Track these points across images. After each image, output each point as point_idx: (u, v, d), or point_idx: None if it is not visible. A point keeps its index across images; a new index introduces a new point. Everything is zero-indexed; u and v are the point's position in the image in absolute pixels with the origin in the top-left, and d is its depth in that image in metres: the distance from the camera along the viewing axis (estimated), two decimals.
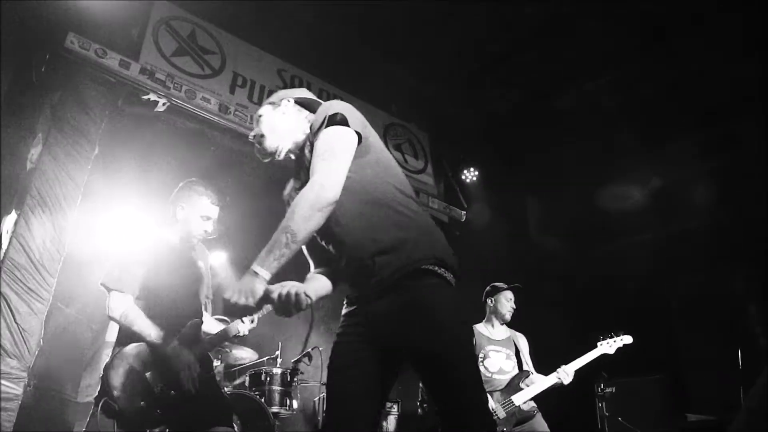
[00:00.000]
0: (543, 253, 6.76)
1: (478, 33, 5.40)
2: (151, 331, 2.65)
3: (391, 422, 5.47)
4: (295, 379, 5.47)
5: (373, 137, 2.10)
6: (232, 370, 5.83)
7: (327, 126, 1.96)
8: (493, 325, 4.43)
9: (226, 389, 5.02)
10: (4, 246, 3.50)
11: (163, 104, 4.38)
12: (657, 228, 6.16)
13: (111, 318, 2.69)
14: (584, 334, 4.36)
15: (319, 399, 5.80)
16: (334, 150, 1.91)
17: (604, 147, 6.19)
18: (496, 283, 4.50)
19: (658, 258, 5.98)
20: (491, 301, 4.46)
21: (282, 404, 5.24)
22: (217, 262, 7.87)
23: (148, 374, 2.62)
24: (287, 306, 1.86)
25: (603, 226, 6.56)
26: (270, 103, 2.24)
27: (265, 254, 1.88)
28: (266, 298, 1.83)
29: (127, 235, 2.89)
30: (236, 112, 4.82)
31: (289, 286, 1.86)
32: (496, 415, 3.95)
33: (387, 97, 6.25)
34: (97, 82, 4.09)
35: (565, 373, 3.99)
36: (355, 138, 1.99)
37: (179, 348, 2.67)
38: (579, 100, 6.16)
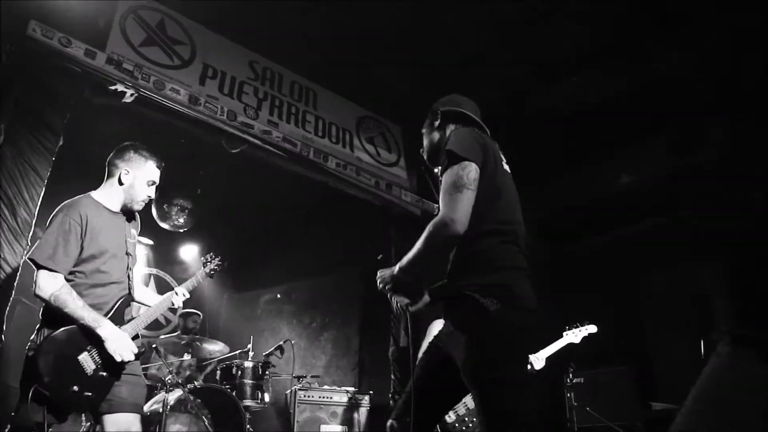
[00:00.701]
0: None
1: (452, 29, 5.41)
2: (85, 314, 2.58)
3: (362, 414, 5.49)
4: (267, 373, 5.46)
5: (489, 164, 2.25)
6: (203, 364, 5.79)
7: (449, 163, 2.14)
8: None
9: (196, 383, 4.98)
10: None
11: (131, 95, 4.30)
12: (627, 224, 6.27)
13: (38, 297, 2.58)
14: (553, 326, 4.45)
15: (291, 392, 5.79)
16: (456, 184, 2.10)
17: (575, 144, 6.26)
18: None
19: (627, 253, 6.09)
20: None
21: (253, 397, 5.23)
22: (189, 255, 7.82)
23: (80, 357, 2.58)
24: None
25: (574, 221, 6.66)
26: (430, 113, 2.54)
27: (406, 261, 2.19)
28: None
29: (65, 207, 2.75)
30: (206, 104, 4.76)
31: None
32: (466, 405, 4.01)
33: (360, 90, 6.23)
34: (61, 72, 3.98)
35: (536, 359, 4.12)
36: (478, 171, 2.14)
37: (116, 330, 2.65)
38: (552, 97, 6.21)
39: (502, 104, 6.37)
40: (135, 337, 2.79)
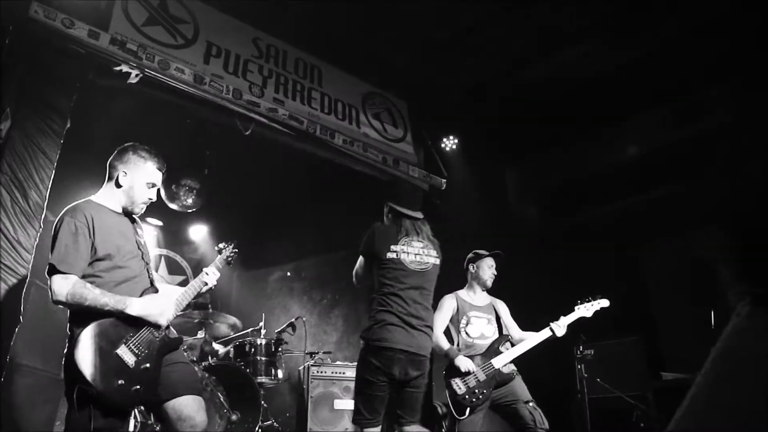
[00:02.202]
0: (522, 220, 6.83)
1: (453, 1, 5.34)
2: (107, 299, 2.51)
3: None
4: (280, 349, 5.53)
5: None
6: (217, 342, 5.86)
7: None
8: (474, 292, 4.50)
9: (211, 361, 5.05)
10: None
11: (136, 75, 4.28)
12: (633, 195, 6.24)
13: (57, 302, 2.50)
14: (562, 298, 4.44)
15: (304, 368, 5.86)
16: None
17: (580, 116, 6.21)
18: (478, 251, 4.56)
19: (635, 224, 6.06)
20: (473, 268, 4.53)
21: (267, 374, 5.30)
22: (199, 235, 7.86)
23: (118, 350, 2.50)
24: None
25: (580, 193, 6.63)
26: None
27: None
28: None
29: (69, 211, 2.68)
30: (212, 83, 4.74)
31: None
32: (477, 377, 4.04)
33: (365, 66, 6.18)
34: (65, 53, 3.97)
35: (558, 327, 4.14)
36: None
37: (144, 300, 2.60)
38: (553, 69, 6.15)
39: (502, 76, 6.32)
40: (168, 328, 2.74)
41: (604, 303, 4.33)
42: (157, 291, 2.79)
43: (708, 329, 4.52)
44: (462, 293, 4.52)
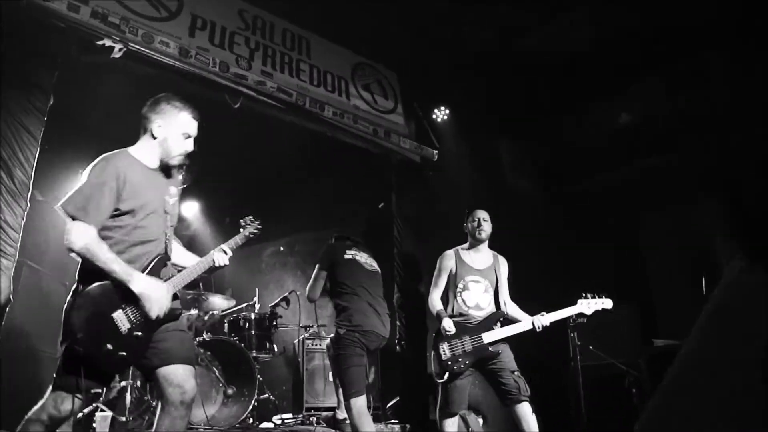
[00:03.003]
0: (516, 192, 6.81)
1: None
2: (116, 267, 2.48)
3: (370, 359, 5.60)
4: (274, 323, 5.55)
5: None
6: (211, 318, 5.86)
7: None
8: (475, 250, 4.45)
9: (206, 336, 5.06)
10: None
11: (120, 50, 4.19)
12: (628, 163, 6.22)
13: (70, 249, 2.47)
14: (556, 272, 4.45)
15: (299, 341, 5.89)
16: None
17: (573, 85, 6.15)
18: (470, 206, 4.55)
19: (627, 193, 6.06)
20: (466, 224, 4.50)
21: (262, 348, 5.33)
22: (190, 212, 7.82)
23: (115, 314, 2.49)
24: None
25: (575, 162, 6.61)
26: None
27: None
28: None
29: (102, 160, 2.64)
30: (197, 56, 4.65)
31: None
32: (464, 347, 4.08)
33: (354, 37, 6.08)
34: (45, 28, 3.87)
35: (540, 324, 4.12)
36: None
37: (150, 283, 2.57)
38: (548, 38, 6.07)
39: (495, 44, 6.23)
40: (174, 297, 2.72)
41: (607, 304, 4.26)
42: (169, 259, 2.78)
43: (700, 296, 4.56)
44: (463, 251, 4.48)
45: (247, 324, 5.38)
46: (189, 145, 2.85)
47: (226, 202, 7.50)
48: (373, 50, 6.23)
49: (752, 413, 0.82)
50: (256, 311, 5.61)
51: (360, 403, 3.72)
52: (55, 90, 3.88)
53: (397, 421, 5.24)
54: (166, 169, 2.84)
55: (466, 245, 4.51)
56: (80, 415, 4.35)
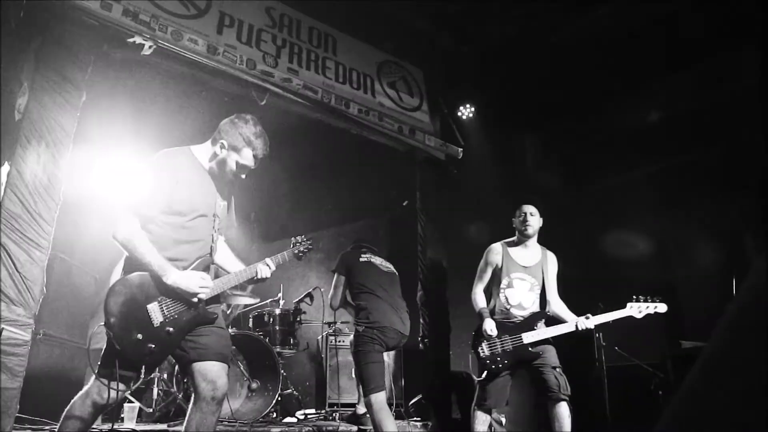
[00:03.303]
0: (540, 189, 6.75)
1: None
2: (153, 260, 2.55)
3: (392, 357, 5.61)
4: (298, 319, 5.59)
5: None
6: (236, 313, 5.94)
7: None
8: (524, 245, 4.35)
9: (231, 331, 5.12)
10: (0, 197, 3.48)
11: (150, 47, 4.25)
12: (654, 162, 6.13)
13: (114, 238, 2.57)
14: (579, 270, 4.39)
15: (322, 337, 5.92)
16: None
17: (601, 80, 6.08)
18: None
19: (655, 189, 5.97)
20: (514, 218, 4.41)
21: (285, 343, 5.38)
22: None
23: (149, 306, 2.55)
24: None
25: (600, 161, 6.53)
26: None
27: None
28: None
29: (160, 155, 2.73)
30: (225, 53, 4.70)
31: None
32: (503, 346, 4.04)
33: (380, 34, 6.09)
34: (78, 25, 3.94)
35: (584, 326, 4.03)
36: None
37: (184, 274, 2.61)
38: (575, 34, 6.00)
39: (523, 38, 6.18)
40: (214, 300, 2.77)
41: (662, 308, 4.08)
42: (212, 262, 2.82)
43: (730, 297, 4.47)
44: (511, 246, 4.37)
45: (272, 319, 5.44)
46: (242, 174, 2.90)
47: (251, 197, 7.57)
48: (398, 48, 6.23)
49: None
50: (281, 307, 5.66)
51: (380, 398, 3.75)
52: (88, 86, 3.96)
53: (419, 419, 5.25)
54: (216, 177, 2.89)
55: (514, 239, 4.39)
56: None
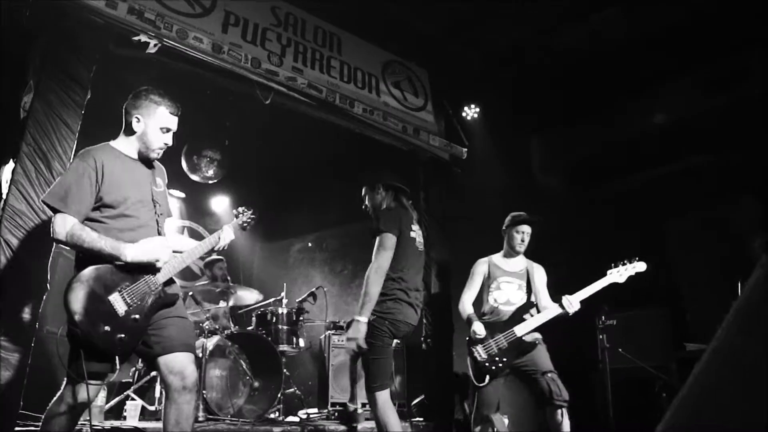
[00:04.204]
0: (545, 191, 6.73)
1: None
2: (103, 243, 2.54)
3: (396, 357, 5.61)
4: (301, 318, 5.59)
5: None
6: (239, 313, 5.94)
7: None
8: (509, 256, 4.44)
9: (233, 329, 5.13)
10: (3, 194, 3.50)
11: (155, 45, 4.26)
12: (662, 165, 6.10)
13: (56, 241, 2.57)
14: (586, 269, 4.37)
15: (325, 337, 5.92)
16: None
17: (607, 83, 6.05)
18: (514, 214, 4.45)
19: (661, 194, 5.94)
20: (505, 233, 4.46)
21: (288, 343, 5.38)
22: (221, 207, 7.93)
23: (111, 297, 2.54)
24: None
25: (607, 163, 6.50)
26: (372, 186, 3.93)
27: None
28: None
29: (81, 154, 2.73)
30: (230, 52, 4.70)
31: None
32: (498, 344, 4.04)
33: (385, 35, 6.08)
34: (84, 24, 3.95)
35: (569, 303, 3.98)
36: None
37: (140, 244, 2.61)
38: (582, 36, 5.98)
39: (528, 44, 6.17)
40: (170, 282, 2.78)
41: (641, 267, 4.04)
42: None
43: (735, 299, 4.44)
44: (496, 257, 4.49)
45: (275, 318, 5.44)
46: (168, 139, 2.88)
47: (255, 197, 7.58)
48: (404, 48, 6.23)
49: None
50: (284, 306, 5.66)
51: (385, 396, 3.51)
52: (93, 84, 3.97)
53: (422, 419, 5.24)
54: (147, 162, 2.90)
55: (500, 254, 4.50)
56: (111, 403, 4.46)
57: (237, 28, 4.93)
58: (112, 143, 2.85)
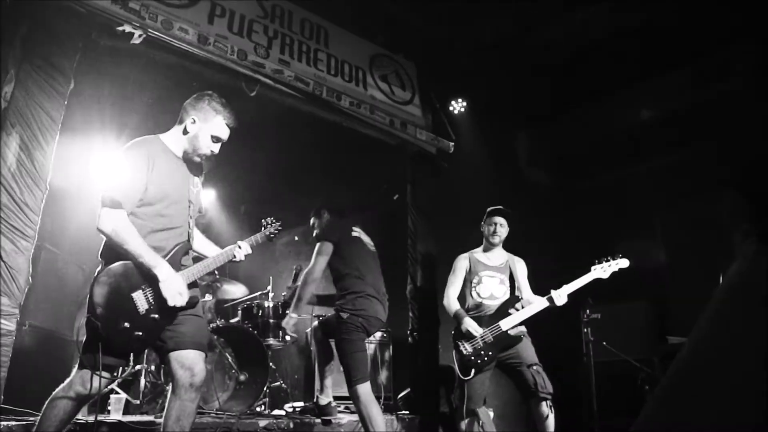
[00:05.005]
0: (532, 184, 6.77)
1: None
2: (144, 252, 2.56)
3: (381, 348, 5.63)
4: (287, 312, 5.56)
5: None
6: (224, 306, 5.91)
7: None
8: (489, 250, 4.51)
9: (219, 323, 5.10)
10: None
11: (139, 36, 4.20)
12: (644, 160, 6.15)
13: (101, 231, 2.57)
14: (572, 263, 4.41)
15: (312, 330, 5.91)
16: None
17: (593, 77, 6.08)
18: (490, 208, 4.56)
19: (646, 189, 5.99)
20: (483, 225, 4.54)
21: (275, 336, 5.36)
22: (206, 200, 7.87)
23: (134, 294, 2.57)
24: None
25: (591, 158, 6.55)
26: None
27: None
28: None
29: (134, 145, 2.75)
30: (216, 44, 4.65)
31: None
32: (483, 339, 4.06)
33: (372, 28, 6.06)
34: (66, 12, 3.88)
35: (558, 296, 4.04)
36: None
37: (173, 273, 2.62)
38: (568, 31, 6.00)
39: (514, 36, 6.18)
40: (193, 285, 2.78)
41: (624, 263, 4.13)
42: (191, 248, 2.88)
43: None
44: (477, 252, 4.54)
45: (261, 312, 5.41)
46: (216, 149, 2.93)
47: (242, 190, 7.53)
48: (391, 41, 6.21)
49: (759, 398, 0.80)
50: (270, 299, 5.64)
51: (366, 389, 3.69)
52: (76, 74, 3.92)
53: (408, 412, 5.25)
54: (189, 161, 2.92)
55: (480, 248, 4.56)
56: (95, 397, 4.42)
57: (223, 19, 4.88)
58: (162, 137, 2.88)
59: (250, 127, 6.47)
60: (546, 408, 3.94)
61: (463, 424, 4.26)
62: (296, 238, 8.00)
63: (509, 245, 4.67)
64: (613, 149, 6.35)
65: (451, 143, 6.24)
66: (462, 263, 4.52)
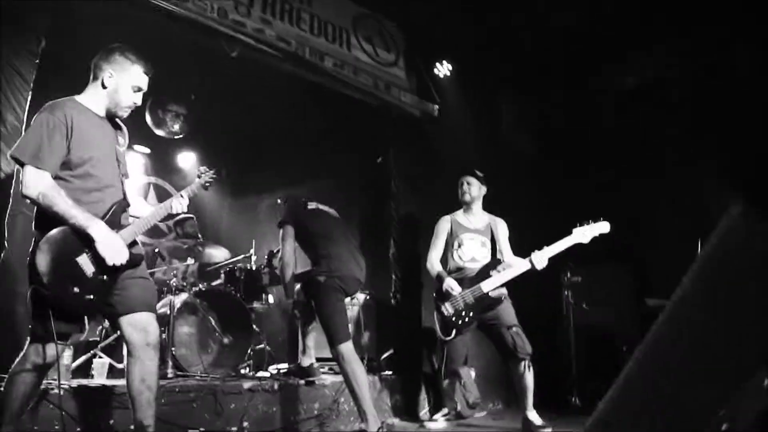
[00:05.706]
0: (514, 149, 6.76)
1: None
2: (75, 212, 2.50)
3: (364, 309, 5.67)
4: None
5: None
6: (207, 270, 5.89)
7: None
8: (470, 212, 4.53)
9: (201, 286, 5.09)
10: None
11: None
12: (629, 128, 6.15)
13: (26, 196, 2.50)
14: (555, 226, 4.43)
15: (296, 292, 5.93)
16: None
17: (585, 45, 6.01)
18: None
19: (630, 157, 5.99)
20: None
21: (258, 299, 5.37)
22: (187, 162, 7.76)
23: (79, 258, 2.53)
24: None
25: (576, 125, 6.53)
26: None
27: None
28: None
29: (48, 107, 2.63)
30: (195, 2, 4.51)
31: None
32: (465, 300, 4.11)
33: None
34: None
35: (538, 259, 4.06)
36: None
37: (109, 232, 2.58)
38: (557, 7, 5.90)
39: (502, 1, 6.06)
40: (133, 244, 2.75)
41: (604, 228, 4.12)
42: (128, 205, 2.82)
43: (695, 258, 4.56)
44: (458, 215, 4.57)
45: (243, 275, 5.41)
46: (138, 99, 2.85)
47: (223, 153, 7.43)
48: (375, 1, 6.06)
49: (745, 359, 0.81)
50: (253, 262, 5.63)
51: (349, 348, 3.76)
52: (48, 34, 3.78)
53: (391, 373, 5.33)
54: (112, 119, 2.85)
55: (461, 210, 4.59)
56: (78, 361, 4.42)
57: None
58: (77, 98, 2.77)
59: (231, 89, 6.39)
60: (524, 368, 4.03)
61: (445, 384, 4.35)
62: (278, 201, 7.96)
63: (491, 207, 4.69)
64: (597, 115, 6.34)
65: (436, 106, 6.18)
66: (444, 225, 4.55)
